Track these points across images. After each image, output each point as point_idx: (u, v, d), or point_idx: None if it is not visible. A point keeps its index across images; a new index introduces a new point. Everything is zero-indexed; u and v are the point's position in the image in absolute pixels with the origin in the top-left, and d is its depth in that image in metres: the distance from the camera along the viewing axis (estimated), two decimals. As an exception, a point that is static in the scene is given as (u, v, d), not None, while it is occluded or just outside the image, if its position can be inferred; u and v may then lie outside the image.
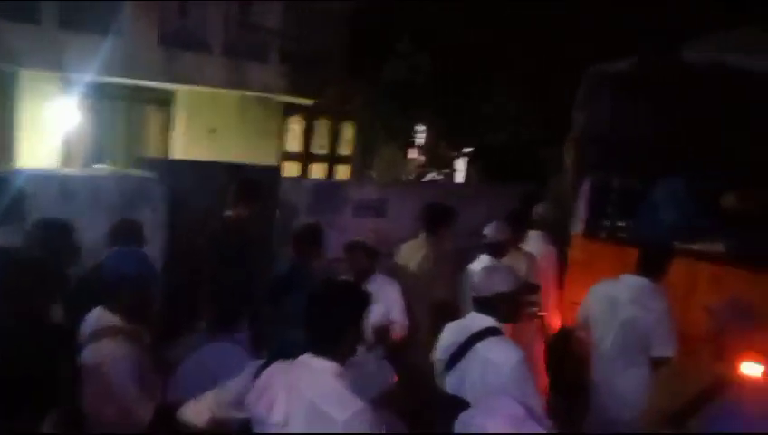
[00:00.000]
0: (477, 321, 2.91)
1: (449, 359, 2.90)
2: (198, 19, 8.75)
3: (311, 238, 4.25)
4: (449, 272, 4.67)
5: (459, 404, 1.99)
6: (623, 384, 3.66)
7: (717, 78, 4.29)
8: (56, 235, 3.40)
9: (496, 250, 4.52)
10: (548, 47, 8.37)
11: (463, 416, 1.67)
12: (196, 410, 2.37)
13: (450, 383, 2.87)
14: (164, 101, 9.69)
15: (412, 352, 4.16)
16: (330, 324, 2.20)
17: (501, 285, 2.91)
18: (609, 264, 4.70)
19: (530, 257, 4.71)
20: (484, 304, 2.91)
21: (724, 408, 2.36)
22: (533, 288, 3.74)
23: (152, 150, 9.59)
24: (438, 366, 3.01)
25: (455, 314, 4.46)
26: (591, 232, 5.33)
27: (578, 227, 5.39)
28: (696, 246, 4.82)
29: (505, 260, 4.37)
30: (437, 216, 4.79)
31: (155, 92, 9.43)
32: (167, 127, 9.79)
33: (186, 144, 9.56)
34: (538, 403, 2.75)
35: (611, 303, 3.76)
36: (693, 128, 4.55)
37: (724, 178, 5.06)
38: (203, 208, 4.86)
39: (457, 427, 1.65)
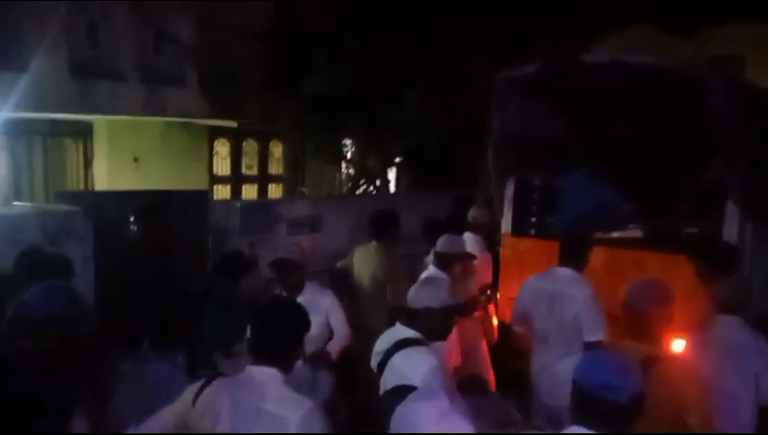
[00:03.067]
0: (401, 332, 2.91)
1: (377, 368, 2.92)
2: (110, 48, 8.54)
3: (231, 264, 4.28)
4: (403, 277, 4.74)
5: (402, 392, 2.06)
6: (561, 371, 3.81)
7: (615, 76, 4.58)
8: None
9: (446, 263, 4.54)
10: (458, 55, 8.66)
11: (398, 408, 1.75)
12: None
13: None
14: (82, 133, 9.39)
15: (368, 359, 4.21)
16: (274, 339, 2.29)
17: (432, 300, 2.89)
18: (538, 259, 4.90)
19: (468, 265, 4.85)
20: (411, 316, 2.92)
21: (648, 384, 2.51)
22: (465, 309, 3.80)
23: (73, 184, 9.26)
24: (375, 374, 3.04)
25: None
26: (519, 230, 5.53)
27: (506, 226, 5.58)
28: (617, 234, 5.10)
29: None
30: (385, 222, 4.87)
31: (72, 125, 9.13)
32: (87, 159, 9.48)
33: (108, 175, 9.29)
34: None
35: (542, 295, 3.94)
36: (599, 123, 4.83)
37: (635, 168, 5.39)
38: (130, 238, 4.75)
39: (393, 419, 1.73)
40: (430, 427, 1.65)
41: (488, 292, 5.06)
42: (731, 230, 4.64)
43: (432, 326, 2.88)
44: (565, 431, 2.01)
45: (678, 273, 4.39)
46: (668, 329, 3.07)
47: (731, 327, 3.44)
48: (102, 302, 4.35)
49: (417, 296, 2.93)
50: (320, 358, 3.91)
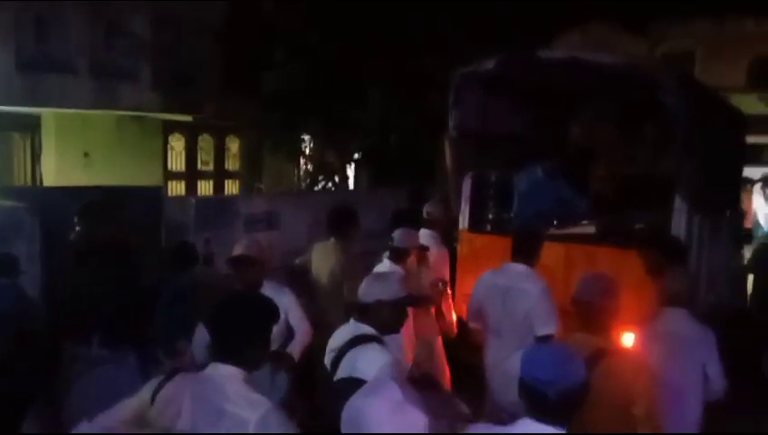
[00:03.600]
0: (355, 328, 2.88)
1: (331, 366, 2.88)
2: (60, 42, 8.29)
3: (179, 256, 4.24)
4: (361, 274, 4.71)
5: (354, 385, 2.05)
6: (514, 366, 3.83)
7: (571, 73, 4.66)
8: None
9: (399, 256, 4.56)
10: (418, 53, 8.72)
11: (350, 399, 1.73)
12: (91, 430, 2.26)
13: None
14: (30, 127, 9.08)
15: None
16: (235, 334, 2.22)
17: (383, 293, 2.86)
18: (494, 255, 4.93)
19: (423, 258, 4.87)
20: (363, 312, 2.89)
21: (596, 376, 2.55)
22: (417, 300, 3.79)
23: (21, 179, 8.95)
24: (328, 372, 2.97)
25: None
26: (476, 226, 5.57)
27: (463, 222, 5.61)
28: (570, 230, 5.19)
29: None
30: (344, 219, 4.83)
31: (19, 119, 8.81)
32: (35, 154, 9.17)
33: (57, 170, 9.01)
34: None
35: (496, 290, 3.97)
36: (555, 120, 4.90)
37: (590, 164, 5.49)
38: (80, 236, 4.62)
39: (345, 410, 1.71)
40: (384, 420, 1.64)
41: (443, 285, 5.07)
42: (679, 225, 4.77)
43: (384, 320, 2.85)
44: (514, 424, 2.03)
45: (630, 267, 4.49)
46: (617, 321, 3.13)
47: (678, 320, 3.53)
48: (51, 300, 4.22)
49: (368, 290, 2.90)
50: (281, 359, 3.85)
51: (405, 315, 3.03)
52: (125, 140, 9.57)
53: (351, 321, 2.96)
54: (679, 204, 4.78)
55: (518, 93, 5.10)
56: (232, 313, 2.27)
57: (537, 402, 1.96)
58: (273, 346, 3.84)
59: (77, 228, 4.31)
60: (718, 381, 3.44)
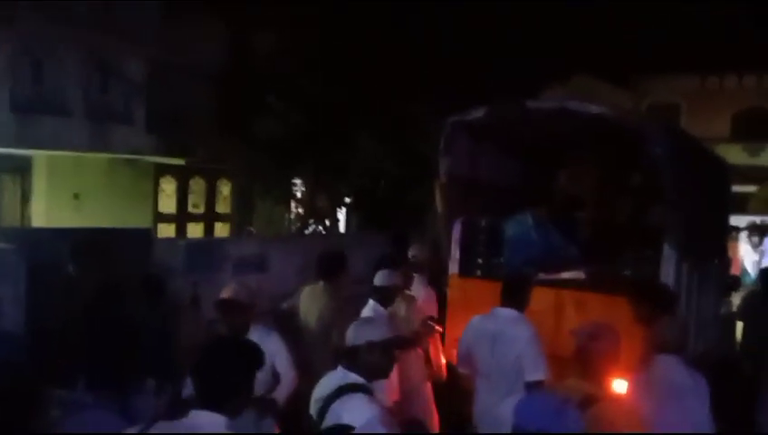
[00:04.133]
0: (342, 376, 2.80)
1: (317, 416, 2.79)
2: (55, 84, 8.38)
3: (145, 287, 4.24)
4: (349, 319, 4.68)
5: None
6: (504, 411, 3.79)
7: (560, 122, 4.75)
8: None
9: (385, 297, 4.56)
10: (409, 101, 8.91)
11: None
12: None
13: None
14: (21, 169, 9.08)
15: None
16: (219, 381, 2.17)
17: (372, 335, 2.80)
18: (484, 300, 4.91)
19: (410, 299, 4.85)
20: (352, 356, 2.81)
21: (589, 422, 2.53)
22: (406, 340, 3.76)
23: (10, 220, 8.88)
24: (314, 422, 2.87)
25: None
26: (466, 271, 5.57)
27: (453, 267, 5.61)
28: (560, 276, 5.20)
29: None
30: (334, 263, 4.83)
31: (10, 159, 8.81)
32: (25, 195, 9.14)
33: (47, 212, 8.97)
34: None
35: (485, 335, 3.94)
36: (544, 168, 4.96)
37: (579, 212, 5.55)
38: (67, 278, 4.58)
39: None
40: None
41: (431, 323, 5.04)
42: (668, 272, 4.79)
43: (373, 362, 2.78)
44: None
45: (619, 313, 4.49)
46: (612, 368, 3.12)
47: (669, 367, 3.53)
48: (34, 342, 4.14)
49: (356, 333, 2.84)
50: (266, 406, 3.77)
51: (394, 359, 2.95)
52: (116, 183, 9.58)
53: (339, 368, 2.88)
54: (668, 252, 4.81)
55: (507, 141, 5.18)
56: (216, 359, 2.21)
57: None
58: (259, 392, 3.79)
59: (70, 268, 4.27)
60: (708, 427, 3.43)
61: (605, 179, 4.79)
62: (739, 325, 6.77)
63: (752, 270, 11.19)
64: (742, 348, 6.40)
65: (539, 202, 5.14)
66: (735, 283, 7.80)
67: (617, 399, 2.95)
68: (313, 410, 2.86)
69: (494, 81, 8.57)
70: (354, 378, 2.76)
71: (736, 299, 7.14)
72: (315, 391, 2.93)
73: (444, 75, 8.85)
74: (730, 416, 3.66)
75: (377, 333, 2.82)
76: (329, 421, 2.68)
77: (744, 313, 6.54)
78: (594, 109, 4.68)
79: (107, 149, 8.97)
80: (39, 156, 9.00)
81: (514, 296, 3.99)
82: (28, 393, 3.10)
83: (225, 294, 3.86)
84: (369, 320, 3.14)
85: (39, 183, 9.12)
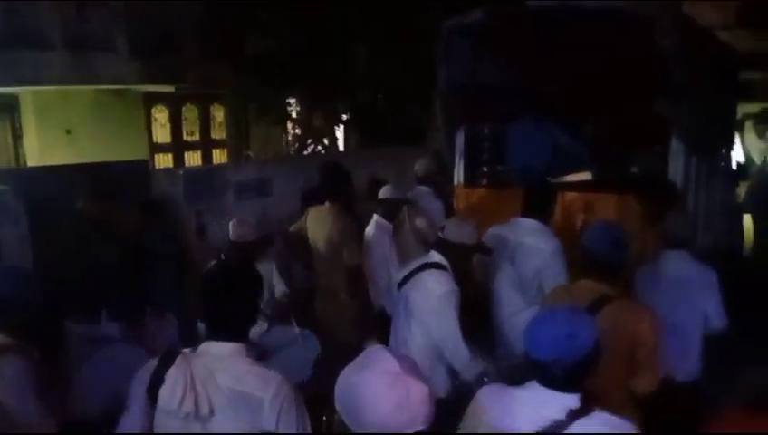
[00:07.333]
0: (428, 256, 3.44)
1: (399, 286, 3.44)
2: (32, 16, 8.00)
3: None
4: (357, 237, 4.71)
5: None
6: (523, 321, 3.81)
7: (563, 19, 4.53)
8: None
9: (389, 211, 4.77)
10: (407, 7, 8.47)
11: (342, 375, 1.58)
12: None
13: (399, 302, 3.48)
14: (8, 108, 8.85)
15: (335, 322, 4.25)
16: (230, 308, 2.14)
17: (464, 237, 3.37)
18: (491, 208, 4.90)
19: (419, 211, 4.89)
20: (443, 246, 3.38)
21: (601, 322, 2.53)
22: (486, 250, 3.83)
23: (3, 161, 8.77)
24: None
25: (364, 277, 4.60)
26: (471, 180, 5.51)
27: (458, 177, 5.55)
28: (567, 178, 5.13)
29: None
30: (338, 179, 4.75)
31: (-4, 99, 8.59)
32: (16, 134, 8.96)
33: (40, 150, 8.81)
34: (450, 337, 3.17)
35: (504, 246, 3.90)
36: (547, 69, 4.79)
37: (584, 111, 5.40)
38: (67, 215, 4.55)
39: (337, 387, 1.58)
40: (381, 395, 1.49)
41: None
42: (676, 167, 4.73)
43: (458, 259, 3.38)
44: (524, 387, 1.98)
45: (628, 212, 4.46)
46: (624, 270, 3.11)
47: (678, 261, 3.54)
48: (44, 280, 4.15)
49: (452, 231, 3.39)
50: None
51: (471, 260, 3.61)
52: (107, 115, 9.34)
53: (431, 251, 3.44)
54: (676, 145, 4.72)
55: (508, 43, 4.97)
56: (224, 288, 2.17)
57: (545, 378, 1.91)
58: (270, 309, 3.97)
59: (76, 204, 4.25)
60: (719, 320, 3.47)
61: (612, 76, 4.62)
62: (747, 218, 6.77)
63: (757, 159, 11.10)
64: (754, 238, 6.40)
65: (543, 105, 5.00)
66: (743, 172, 7.73)
67: (628, 297, 2.94)
68: (396, 281, 3.51)
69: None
70: (440, 259, 3.34)
71: (742, 189, 7.11)
72: (401, 270, 3.59)
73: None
74: (742, 309, 3.68)
75: (468, 237, 3.37)
76: (412, 287, 3.32)
77: (750, 203, 6.52)
78: (598, 1, 4.46)
79: (92, 80, 8.68)
80: (25, 93, 8.74)
81: (537, 206, 3.89)
82: (47, 328, 3.14)
83: (233, 236, 3.95)
84: (466, 223, 3.52)
85: (28, 121, 8.90)
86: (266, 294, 4.11)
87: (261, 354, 3.51)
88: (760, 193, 6.24)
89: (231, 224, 4.08)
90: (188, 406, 1.99)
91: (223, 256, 4.08)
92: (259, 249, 4.08)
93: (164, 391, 2.01)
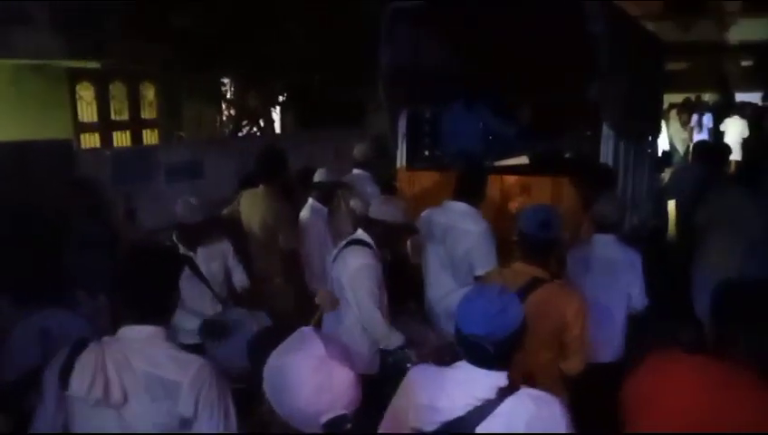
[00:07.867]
0: (355, 234, 3.51)
1: (331, 263, 3.52)
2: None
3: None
4: (293, 221, 4.64)
5: None
6: (454, 302, 3.84)
7: (501, 3, 4.58)
8: None
9: (324, 194, 4.74)
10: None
11: (269, 359, 1.56)
12: None
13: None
14: None
15: (271, 302, 4.20)
16: (146, 291, 2.05)
17: (389, 215, 3.41)
18: (432, 191, 4.92)
19: (355, 195, 4.84)
20: (369, 225, 3.45)
21: (532, 304, 2.57)
22: (412, 230, 3.86)
23: None
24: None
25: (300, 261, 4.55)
26: (413, 163, 5.52)
27: (401, 160, 5.54)
28: (506, 162, 5.22)
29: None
30: (273, 163, 4.64)
31: None
32: (-77, 111, 8.33)
33: (-49, 128, 8.23)
34: (364, 307, 3.30)
35: (436, 228, 3.92)
36: (487, 51, 4.83)
37: (520, 95, 5.49)
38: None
39: (265, 371, 1.55)
40: (306, 378, 1.49)
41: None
42: (606, 151, 4.87)
43: (382, 237, 3.43)
44: (455, 367, 1.99)
45: (563, 195, 4.58)
46: (555, 251, 3.17)
47: (606, 244, 3.66)
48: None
49: (378, 209, 3.45)
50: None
51: (399, 239, 3.76)
52: (27, 92, 8.80)
53: (359, 230, 3.51)
54: (606, 131, 4.87)
55: (450, 26, 4.97)
56: (140, 270, 2.09)
57: (476, 355, 1.93)
58: (221, 289, 4.01)
59: None
60: (640, 300, 3.64)
61: (545, 61, 4.70)
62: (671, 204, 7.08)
63: (680, 147, 11.65)
64: (677, 222, 6.70)
65: (482, 89, 5.03)
66: (667, 159, 8.08)
67: (558, 281, 3.00)
68: (330, 260, 3.57)
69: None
70: (363, 235, 3.43)
71: (666, 175, 7.43)
72: (333, 251, 3.64)
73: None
74: (664, 290, 3.85)
75: (391, 215, 3.41)
76: (338, 265, 3.41)
77: (673, 188, 6.80)
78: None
79: (7, 54, 8.14)
80: (-65, 68, 8.15)
81: (468, 189, 3.92)
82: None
83: (179, 217, 3.87)
84: (392, 202, 3.59)
85: (-62, 97, 8.31)
86: (221, 276, 4.05)
87: (220, 333, 3.56)
88: (682, 180, 6.51)
89: (176, 205, 3.96)
90: (98, 392, 1.90)
91: (175, 239, 3.93)
92: (206, 231, 3.96)
93: (74, 378, 1.92)
